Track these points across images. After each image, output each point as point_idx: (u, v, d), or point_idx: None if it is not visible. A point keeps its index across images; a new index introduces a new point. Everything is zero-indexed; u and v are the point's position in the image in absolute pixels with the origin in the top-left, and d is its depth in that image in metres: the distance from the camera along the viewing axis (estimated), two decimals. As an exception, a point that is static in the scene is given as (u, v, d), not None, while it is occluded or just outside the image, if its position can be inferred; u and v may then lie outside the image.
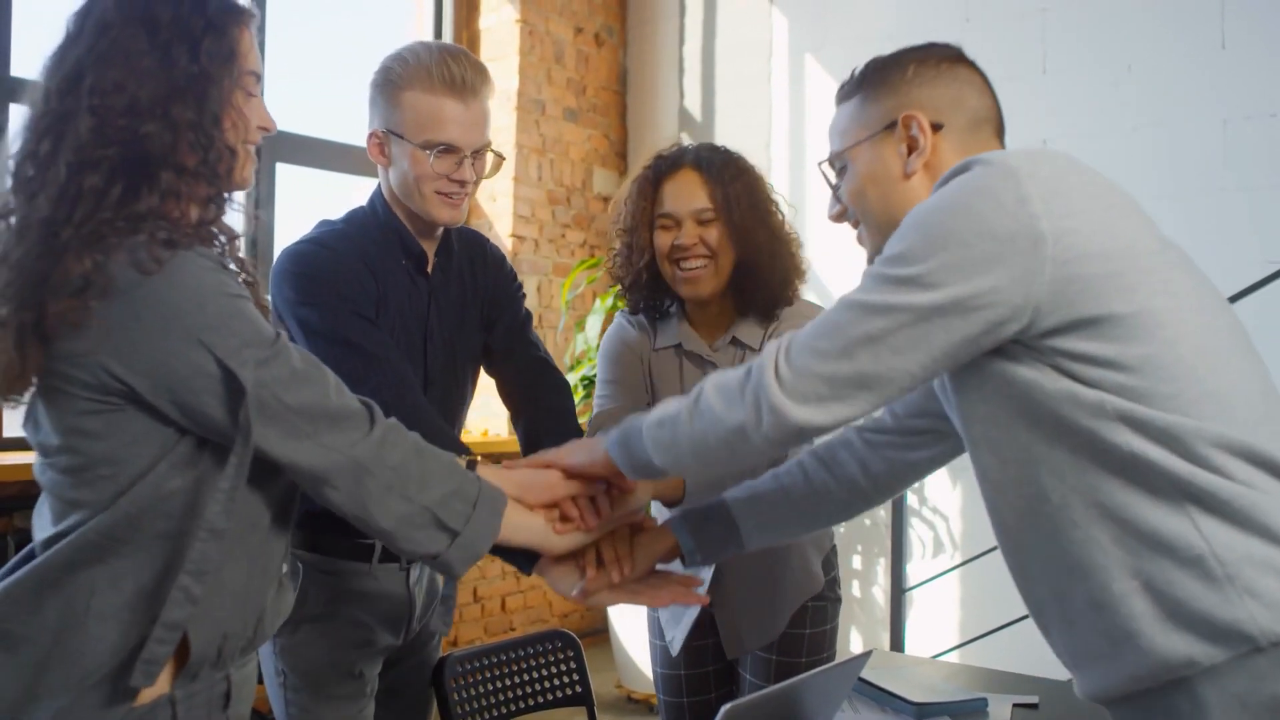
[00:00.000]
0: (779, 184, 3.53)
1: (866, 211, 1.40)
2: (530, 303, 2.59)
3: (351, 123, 3.79)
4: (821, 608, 2.03)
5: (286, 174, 3.67)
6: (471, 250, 1.95)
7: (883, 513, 3.83)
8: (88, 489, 1.20)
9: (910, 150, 1.35)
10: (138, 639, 1.18)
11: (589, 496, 1.55)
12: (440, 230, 1.85)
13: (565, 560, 1.58)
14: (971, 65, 1.38)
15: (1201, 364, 1.13)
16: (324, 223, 1.83)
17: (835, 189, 1.44)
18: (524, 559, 1.57)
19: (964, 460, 3.50)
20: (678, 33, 4.64)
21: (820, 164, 1.47)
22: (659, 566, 1.68)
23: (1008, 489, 1.23)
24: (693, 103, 4.58)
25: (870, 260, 1.39)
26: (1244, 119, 3.36)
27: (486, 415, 4.25)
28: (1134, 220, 1.20)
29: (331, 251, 1.72)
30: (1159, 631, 1.10)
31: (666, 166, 2.02)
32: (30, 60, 2.86)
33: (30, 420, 1.27)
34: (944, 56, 1.38)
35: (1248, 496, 1.09)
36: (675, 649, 2.02)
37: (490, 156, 1.82)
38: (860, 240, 1.44)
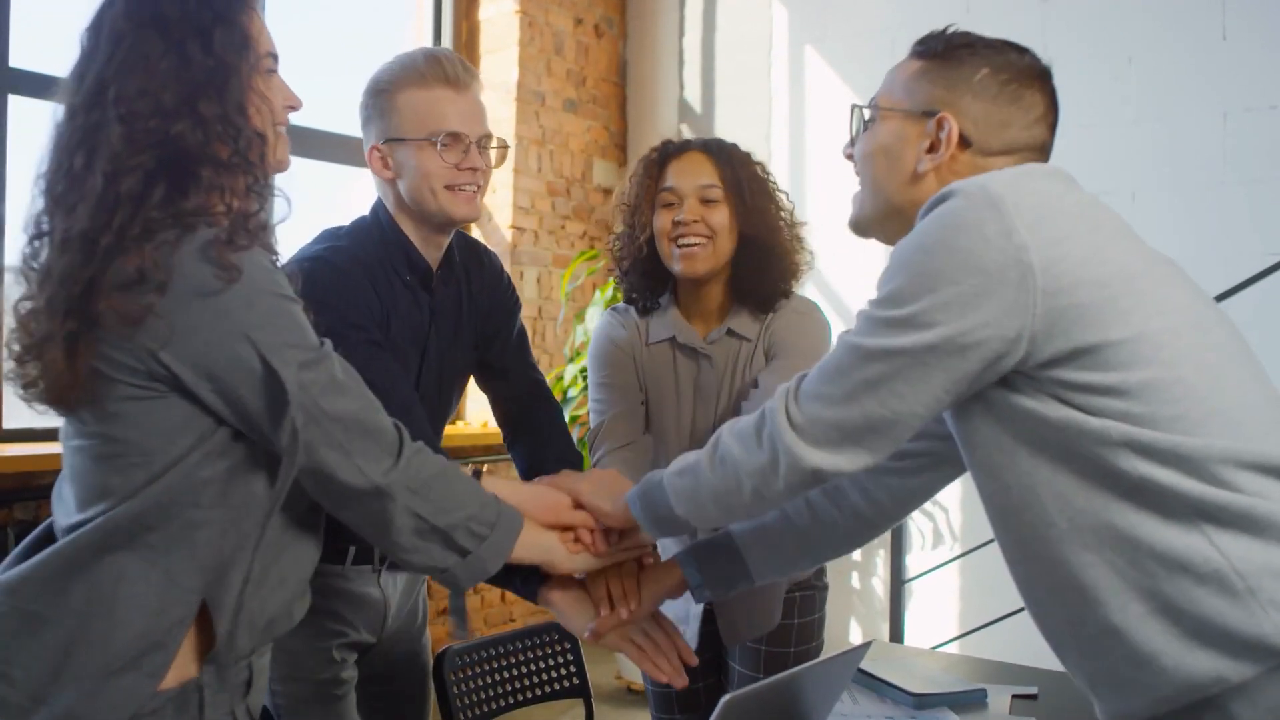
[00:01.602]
0: (779, 176, 3.53)
1: (865, 176, 1.39)
2: (530, 294, 2.61)
3: (352, 115, 3.78)
4: (809, 596, 2.04)
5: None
6: (469, 259, 1.92)
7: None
8: (119, 476, 1.21)
9: (931, 150, 1.32)
10: (165, 625, 1.20)
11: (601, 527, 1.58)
12: (448, 239, 1.82)
13: (574, 593, 1.61)
14: (1044, 92, 1.33)
15: (1203, 382, 1.13)
16: (327, 233, 1.79)
17: (858, 133, 1.41)
18: (527, 586, 1.59)
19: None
20: (678, 24, 4.64)
21: (856, 106, 1.42)
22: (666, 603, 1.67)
23: (1011, 516, 1.22)
24: (693, 94, 4.57)
25: (849, 224, 1.43)
26: (1244, 111, 3.36)
27: (486, 407, 4.24)
28: (1124, 242, 1.19)
29: (338, 272, 1.67)
30: (1182, 651, 1.08)
31: (674, 149, 2.04)
32: (28, 52, 2.89)
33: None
34: (1019, 74, 1.32)
35: (1262, 507, 1.08)
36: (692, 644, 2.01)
37: (495, 147, 1.80)
38: (854, 195, 1.43)
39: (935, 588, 3.78)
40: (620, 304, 2.14)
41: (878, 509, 1.58)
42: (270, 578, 1.29)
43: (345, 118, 3.75)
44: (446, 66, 1.73)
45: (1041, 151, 1.34)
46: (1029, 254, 1.12)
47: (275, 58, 1.36)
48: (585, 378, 3.85)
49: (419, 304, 1.78)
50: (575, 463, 1.88)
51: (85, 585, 1.19)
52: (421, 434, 1.39)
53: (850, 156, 1.43)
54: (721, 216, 1.95)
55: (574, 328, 4.11)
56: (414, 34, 4.30)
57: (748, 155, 2.04)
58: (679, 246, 1.96)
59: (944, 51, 1.35)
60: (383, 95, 1.74)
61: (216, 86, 1.24)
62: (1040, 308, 1.12)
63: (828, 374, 1.24)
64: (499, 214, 4.25)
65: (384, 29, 4.38)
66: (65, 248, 1.20)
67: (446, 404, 1.91)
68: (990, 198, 1.14)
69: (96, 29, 1.26)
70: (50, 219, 1.23)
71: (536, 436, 1.95)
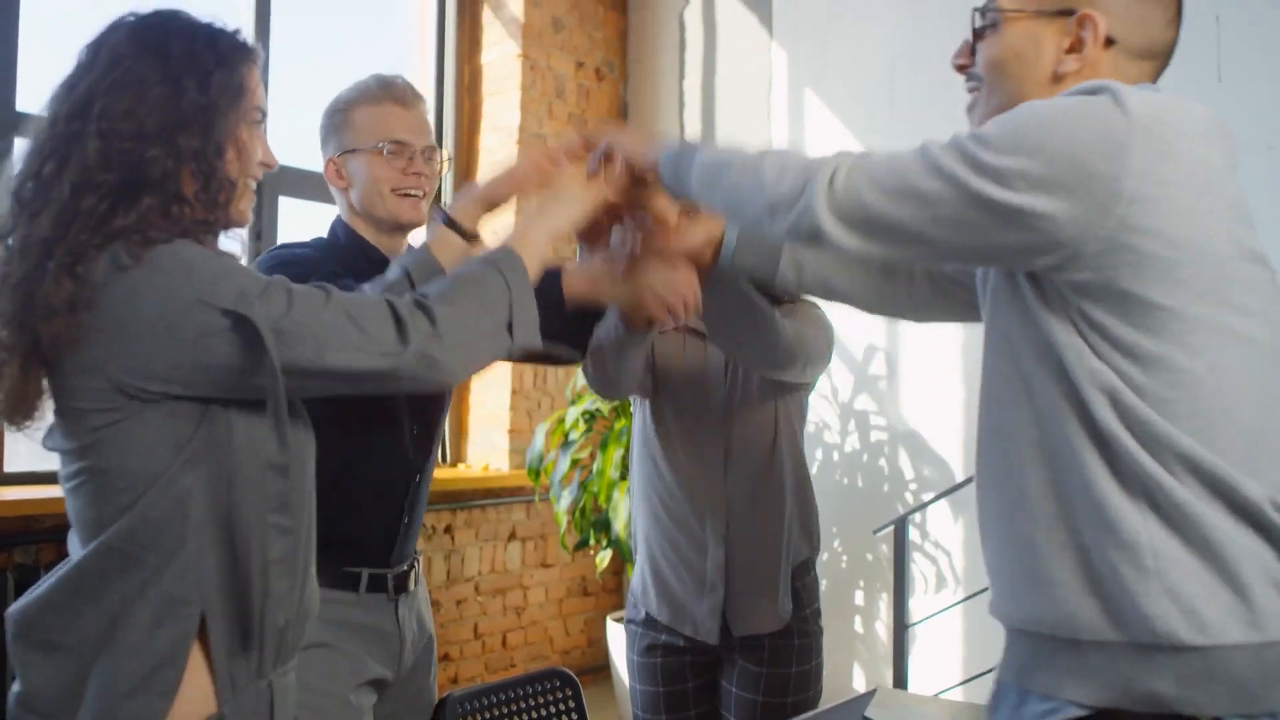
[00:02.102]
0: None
1: (994, 84, 1.33)
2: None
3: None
4: (806, 645, 2.05)
5: (289, 207, 3.70)
6: None
7: (885, 547, 3.81)
8: (110, 504, 1.21)
9: (1071, 50, 1.27)
10: (168, 642, 1.20)
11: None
12: (401, 246, 1.95)
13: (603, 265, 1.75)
14: None
15: (1213, 385, 1.13)
16: (283, 246, 1.94)
17: (974, 40, 1.36)
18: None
19: (964, 495, 3.46)
20: (678, 67, 4.67)
21: (975, 10, 1.36)
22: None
23: (994, 406, 1.26)
24: (693, 136, 4.59)
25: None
26: (1241, 151, 3.37)
27: (487, 449, 4.25)
28: (1227, 222, 1.18)
29: (306, 256, 1.84)
30: (1077, 594, 1.15)
31: None
32: (36, 95, 2.90)
33: (51, 438, 1.28)
34: None
35: (1194, 511, 1.11)
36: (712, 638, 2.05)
37: (440, 157, 1.97)
38: (969, 107, 1.39)
39: (939, 632, 3.75)
40: None
41: (912, 286, 1.61)
42: (277, 585, 1.28)
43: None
44: (395, 87, 1.93)
45: (1169, 55, 1.33)
46: (1128, 180, 1.11)
47: (263, 114, 1.38)
48: (588, 420, 3.85)
49: None
50: None
51: (95, 610, 1.20)
52: None
53: (963, 67, 1.39)
54: None
55: (575, 370, 4.11)
56: (417, 77, 4.33)
57: None
58: None
59: None
60: (339, 114, 1.93)
61: (201, 124, 1.26)
62: (1106, 231, 1.11)
63: (889, 165, 1.21)
64: (500, 256, 4.25)
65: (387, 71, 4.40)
66: (25, 255, 1.21)
67: (437, 399, 1.97)
68: (1132, 115, 1.12)
69: (97, 47, 1.28)
70: (14, 222, 1.24)
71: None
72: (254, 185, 1.38)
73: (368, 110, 1.91)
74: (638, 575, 2.16)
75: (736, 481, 2.05)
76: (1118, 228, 1.11)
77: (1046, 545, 1.18)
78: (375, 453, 1.85)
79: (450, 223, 1.71)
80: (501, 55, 4.37)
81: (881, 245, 1.23)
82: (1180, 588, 1.10)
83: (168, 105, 1.25)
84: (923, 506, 3.74)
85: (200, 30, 1.31)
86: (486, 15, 4.41)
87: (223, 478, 1.24)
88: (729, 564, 2.03)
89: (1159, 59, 1.32)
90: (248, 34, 1.38)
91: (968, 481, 3.53)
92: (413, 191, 1.90)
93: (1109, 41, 1.27)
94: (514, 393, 4.22)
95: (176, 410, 1.21)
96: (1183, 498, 1.11)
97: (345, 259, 1.86)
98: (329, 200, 1.99)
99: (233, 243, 1.38)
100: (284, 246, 1.94)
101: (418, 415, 1.89)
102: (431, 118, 4.24)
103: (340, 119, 1.92)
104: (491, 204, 1.78)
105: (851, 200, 1.21)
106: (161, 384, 1.19)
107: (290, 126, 3.63)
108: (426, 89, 4.31)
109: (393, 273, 1.60)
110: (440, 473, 4.01)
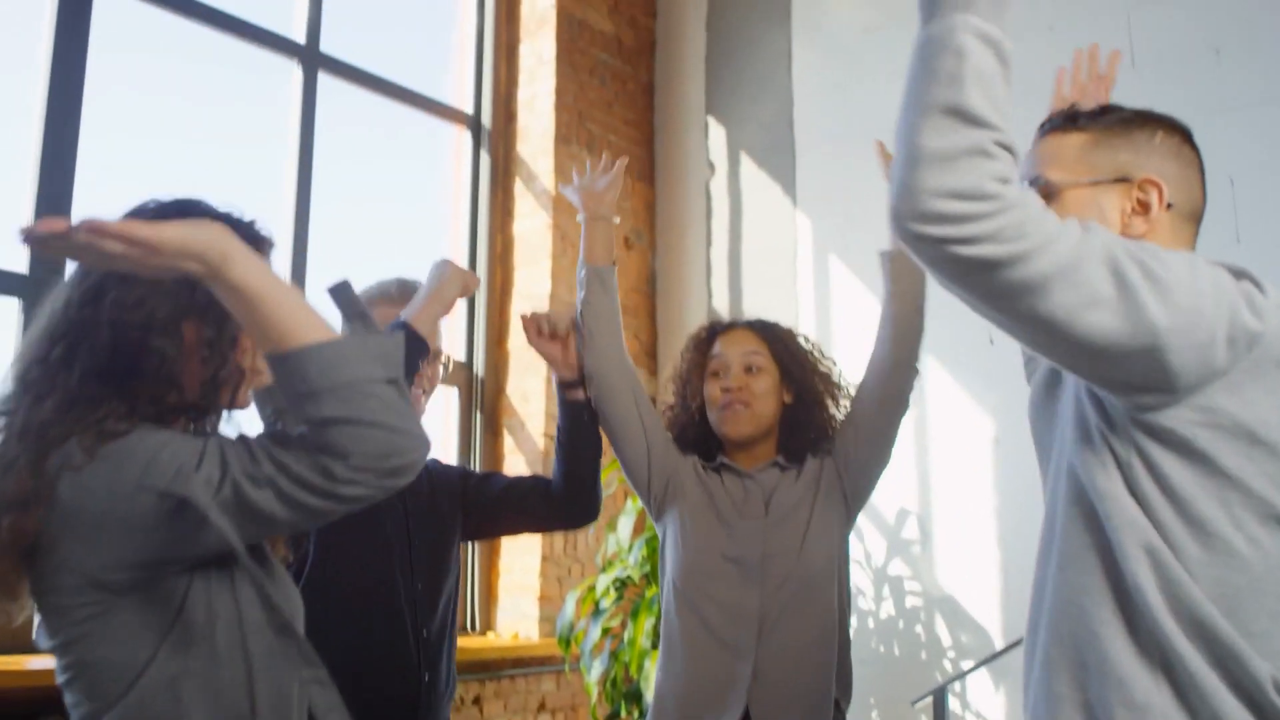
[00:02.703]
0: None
1: None
2: None
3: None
4: None
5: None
6: (427, 472, 2.18)
7: (924, 718, 3.70)
8: (101, 698, 1.19)
9: (1135, 214, 1.30)
10: None
11: None
12: None
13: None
14: (1199, 153, 1.36)
15: (1250, 556, 1.12)
16: None
17: None
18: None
19: (1005, 662, 3.36)
20: (705, 236, 4.78)
21: (1026, 182, 1.38)
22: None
23: (1054, 523, 1.26)
24: (721, 303, 4.67)
25: None
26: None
27: (517, 617, 4.19)
28: None
29: None
30: None
31: (723, 326, 2.27)
32: (92, 193, 3.01)
33: (39, 634, 1.27)
34: (1185, 135, 1.35)
35: (1215, 695, 1.09)
36: None
37: (444, 363, 2.12)
38: None
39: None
40: None
41: None
42: None
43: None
44: (399, 290, 2.10)
45: (1202, 219, 1.36)
46: (1258, 351, 1.13)
47: None
48: (619, 588, 3.81)
49: None
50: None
51: None
52: None
53: None
54: (763, 383, 2.14)
55: (605, 536, 4.08)
56: (451, 248, 4.45)
57: (790, 330, 2.25)
58: (724, 411, 2.13)
59: (1107, 121, 1.35)
60: None
61: (216, 314, 1.26)
62: (1218, 392, 1.13)
63: (1067, 235, 1.11)
64: (531, 422, 4.29)
65: (422, 243, 4.53)
66: (23, 437, 1.21)
67: (442, 558, 2.10)
68: (1270, 298, 1.16)
69: None
70: (15, 403, 1.25)
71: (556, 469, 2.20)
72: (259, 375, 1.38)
73: (386, 310, 2.06)
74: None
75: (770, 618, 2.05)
76: (1231, 392, 1.13)
77: (1057, 689, 1.19)
78: (375, 614, 1.93)
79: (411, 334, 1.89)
80: (533, 226, 4.48)
81: (1006, 304, 1.11)
82: None
83: (180, 294, 1.26)
84: (962, 675, 3.64)
85: (219, 219, 1.29)
86: (519, 187, 4.55)
87: (222, 654, 1.22)
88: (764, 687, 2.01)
89: (1198, 222, 1.36)
90: (267, 229, 1.42)
91: (1008, 649, 3.45)
92: (413, 389, 1.99)
93: (1168, 206, 1.30)
94: (544, 559, 4.19)
95: (153, 595, 1.20)
96: (1197, 668, 1.10)
97: None
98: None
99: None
100: None
101: (415, 571, 1.99)
102: (464, 287, 4.35)
103: None
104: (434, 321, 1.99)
105: (1010, 217, 1.08)
106: (130, 573, 1.18)
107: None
108: (460, 257, 4.42)
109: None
110: (469, 641, 3.96)
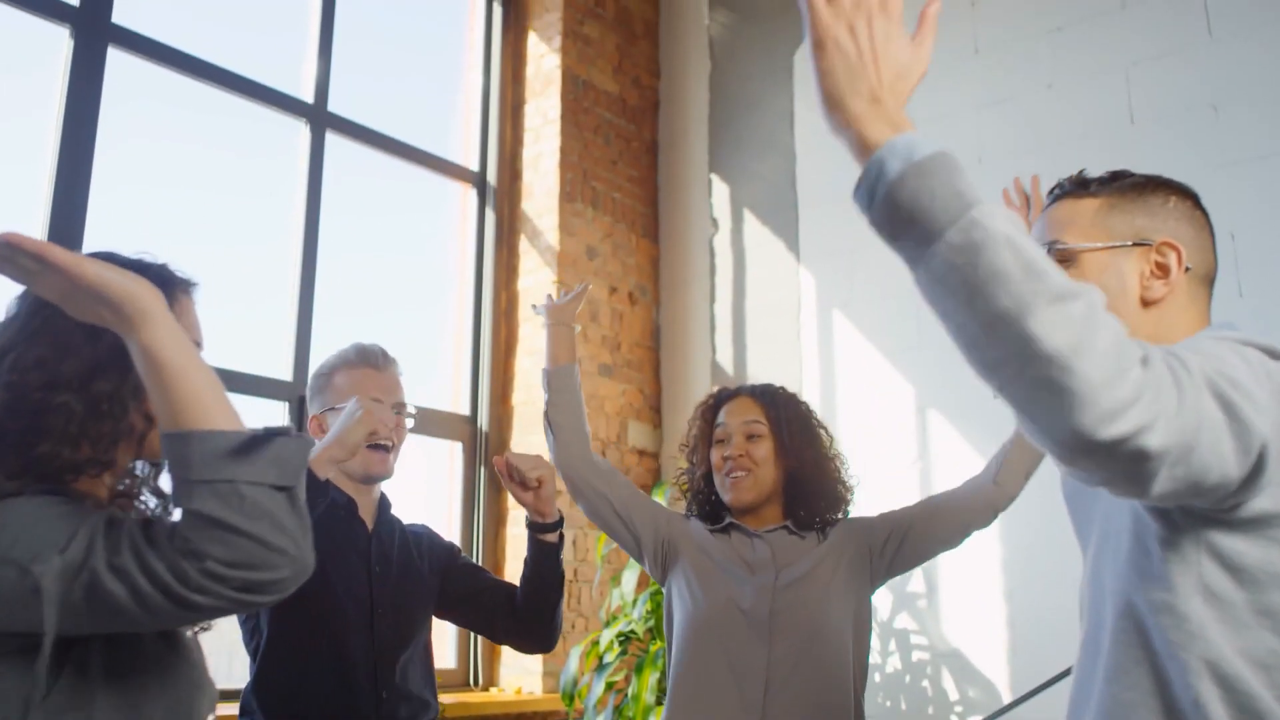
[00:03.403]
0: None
1: None
2: (565, 556, 2.72)
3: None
4: None
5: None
6: (414, 536, 2.30)
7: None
8: None
9: (1154, 277, 1.30)
10: None
11: None
12: (374, 493, 2.22)
13: None
14: (1208, 217, 1.37)
15: None
16: None
17: None
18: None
19: (1016, 716, 3.32)
20: (709, 291, 4.80)
21: (1049, 250, 1.35)
22: None
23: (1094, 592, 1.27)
24: (724, 358, 4.68)
25: None
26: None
27: (520, 673, 4.16)
28: None
29: None
30: None
31: (727, 395, 2.34)
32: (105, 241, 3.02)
33: None
34: (1195, 201, 1.36)
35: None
36: None
37: (408, 417, 2.24)
38: None
39: None
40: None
41: None
42: None
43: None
44: (369, 354, 2.22)
45: (1214, 281, 1.37)
46: None
47: (199, 345, 1.35)
48: (622, 642, 3.79)
49: (354, 524, 2.16)
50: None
51: None
52: None
53: None
54: (764, 450, 2.19)
55: (610, 590, 4.07)
56: (455, 305, 4.48)
57: (792, 396, 2.31)
58: (728, 477, 2.19)
59: (1119, 186, 1.35)
60: (322, 377, 2.23)
61: (119, 366, 1.22)
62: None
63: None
64: (535, 476, 4.28)
65: (429, 295, 4.56)
66: None
67: (410, 619, 2.18)
68: None
69: (25, 295, 1.29)
70: None
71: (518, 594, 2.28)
72: None
73: (346, 374, 2.20)
74: None
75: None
76: None
77: None
78: (328, 675, 2.04)
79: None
80: (537, 282, 4.52)
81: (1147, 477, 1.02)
82: None
83: (83, 351, 1.23)
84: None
85: (129, 267, 1.21)
86: (523, 244, 4.59)
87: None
88: None
89: (1212, 284, 1.36)
90: (184, 270, 1.37)
91: (1016, 703, 3.42)
92: (384, 443, 2.14)
93: (1186, 269, 1.31)
94: (548, 614, 4.16)
95: (23, 661, 1.13)
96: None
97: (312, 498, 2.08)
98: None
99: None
100: None
101: (375, 632, 2.08)
102: (469, 341, 4.38)
103: (323, 382, 2.22)
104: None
105: (1163, 425, 0.99)
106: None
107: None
108: (465, 313, 4.45)
109: None
110: (472, 697, 3.93)
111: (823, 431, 2.30)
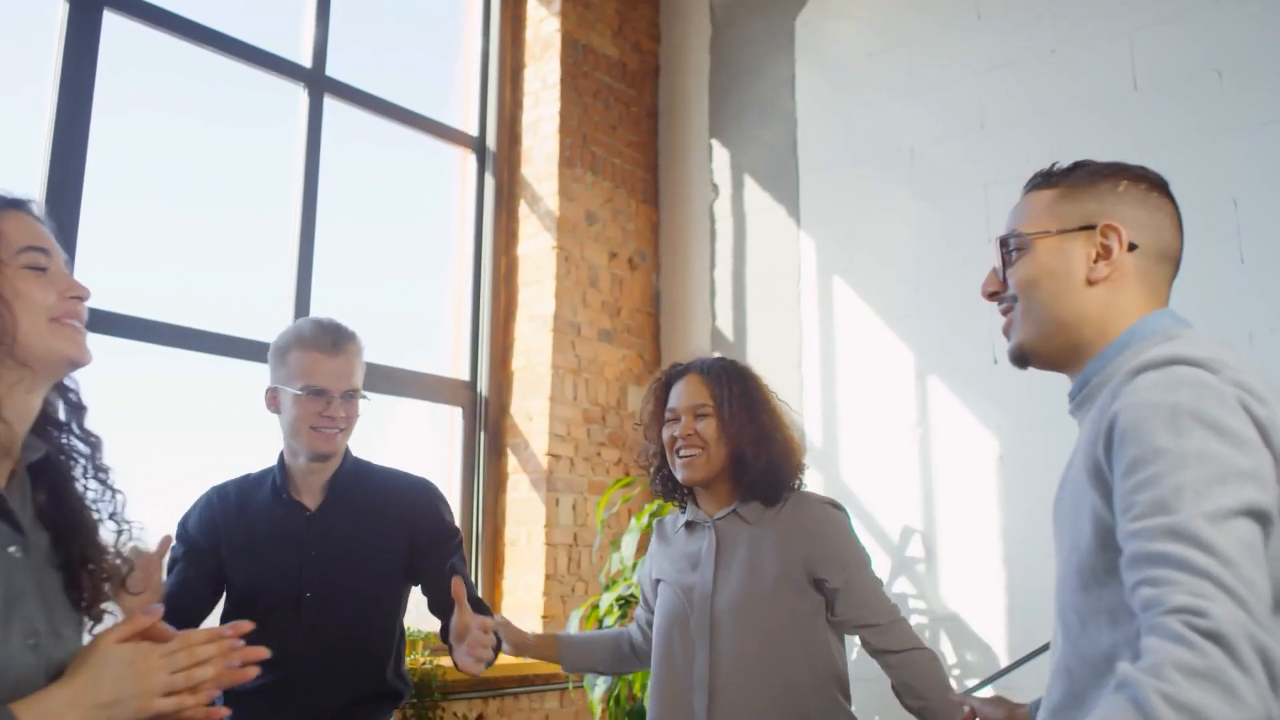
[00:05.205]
0: (811, 399, 3.55)
1: (1032, 302, 1.42)
2: (565, 521, 2.77)
3: (390, 347, 3.91)
4: None
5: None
6: (398, 494, 2.35)
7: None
8: None
9: (1099, 259, 1.38)
10: None
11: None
12: (324, 467, 2.26)
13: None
14: (1172, 200, 1.43)
15: None
16: (213, 488, 2.37)
17: (1002, 268, 1.46)
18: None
19: (1010, 681, 3.35)
20: (709, 257, 4.80)
21: (997, 238, 1.48)
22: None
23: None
24: (724, 323, 4.68)
25: (1011, 355, 1.45)
26: (1269, 331, 3.39)
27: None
28: None
29: (202, 496, 2.34)
30: None
31: (676, 373, 2.35)
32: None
33: None
34: (1153, 183, 1.43)
35: None
36: None
37: (360, 399, 2.26)
38: (1005, 329, 1.47)
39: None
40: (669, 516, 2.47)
41: None
42: None
43: (393, 353, 3.87)
44: (323, 337, 2.21)
45: (1180, 260, 1.43)
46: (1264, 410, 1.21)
47: (43, 251, 1.31)
48: (621, 606, 3.81)
49: (290, 512, 2.26)
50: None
51: None
52: None
53: (994, 294, 1.48)
54: (712, 428, 2.21)
55: (609, 555, 4.09)
56: (455, 271, 4.47)
57: (739, 372, 2.31)
58: (679, 457, 2.24)
59: (1074, 175, 1.44)
60: (279, 352, 2.24)
61: None
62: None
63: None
64: (535, 441, 4.30)
65: (432, 264, 4.55)
66: None
67: (372, 591, 2.27)
68: (1219, 372, 1.23)
69: None
70: None
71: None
72: (74, 323, 1.31)
73: (298, 354, 2.21)
74: None
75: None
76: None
77: None
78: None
79: None
80: (537, 247, 4.51)
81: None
82: None
83: None
84: (967, 693, 3.63)
85: None
86: (523, 209, 4.58)
87: None
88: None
89: (1174, 263, 1.43)
90: (24, 190, 1.35)
91: (1013, 666, 3.45)
92: (328, 429, 2.20)
93: (1131, 246, 1.38)
94: (548, 578, 4.19)
95: None
96: None
97: (263, 480, 2.31)
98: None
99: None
100: (214, 488, 2.34)
101: (316, 609, 2.19)
102: (468, 306, 4.38)
103: (280, 357, 2.24)
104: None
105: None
106: None
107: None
108: (465, 278, 4.45)
109: None
110: (473, 661, 3.95)
111: (772, 404, 2.30)
